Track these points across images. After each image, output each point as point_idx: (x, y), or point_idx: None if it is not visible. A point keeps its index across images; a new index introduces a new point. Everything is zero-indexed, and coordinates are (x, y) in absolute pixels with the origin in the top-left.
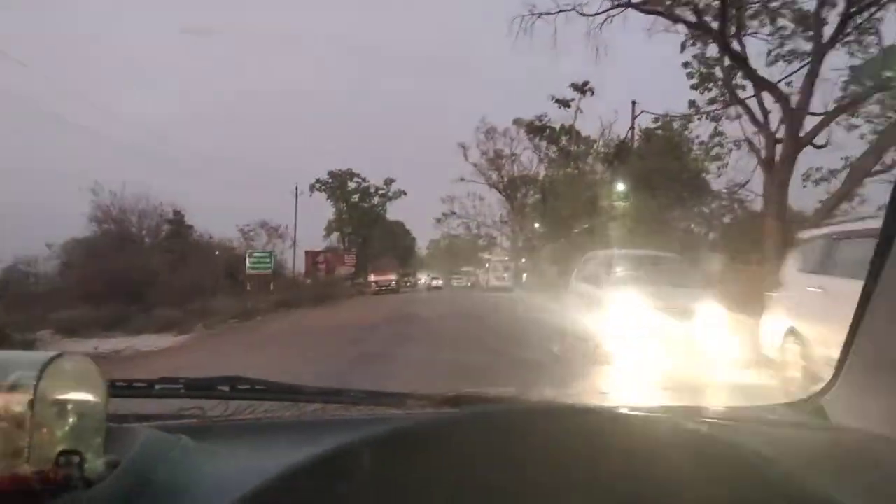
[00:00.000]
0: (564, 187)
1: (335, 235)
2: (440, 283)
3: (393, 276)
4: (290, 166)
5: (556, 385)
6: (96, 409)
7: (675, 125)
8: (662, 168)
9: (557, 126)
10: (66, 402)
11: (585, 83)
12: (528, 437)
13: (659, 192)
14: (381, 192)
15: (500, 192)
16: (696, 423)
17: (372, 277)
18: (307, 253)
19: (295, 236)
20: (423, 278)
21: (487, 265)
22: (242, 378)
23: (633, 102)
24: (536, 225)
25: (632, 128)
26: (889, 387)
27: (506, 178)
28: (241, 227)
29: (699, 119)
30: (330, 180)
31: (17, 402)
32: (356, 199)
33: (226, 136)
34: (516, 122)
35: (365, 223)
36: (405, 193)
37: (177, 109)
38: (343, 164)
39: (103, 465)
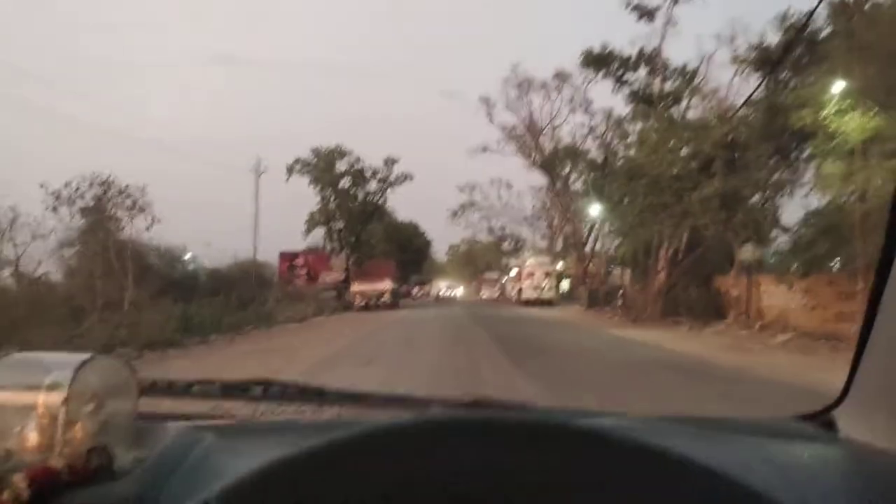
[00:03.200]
0: (664, 135)
1: (321, 233)
2: (457, 293)
3: (387, 286)
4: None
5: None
6: (127, 408)
7: None
8: None
9: (633, 54)
10: (98, 400)
11: None
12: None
13: None
14: (378, 175)
15: (537, 167)
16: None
17: (355, 287)
18: (282, 255)
19: (256, 224)
20: (442, 287)
21: (519, 270)
22: (274, 381)
23: None
24: (594, 211)
25: None
26: None
27: (546, 151)
28: (56, 190)
29: None
30: (314, 160)
31: (53, 400)
32: (347, 185)
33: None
34: (558, 75)
35: (358, 216)
36: (411, 178)
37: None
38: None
39: (131, 460)
